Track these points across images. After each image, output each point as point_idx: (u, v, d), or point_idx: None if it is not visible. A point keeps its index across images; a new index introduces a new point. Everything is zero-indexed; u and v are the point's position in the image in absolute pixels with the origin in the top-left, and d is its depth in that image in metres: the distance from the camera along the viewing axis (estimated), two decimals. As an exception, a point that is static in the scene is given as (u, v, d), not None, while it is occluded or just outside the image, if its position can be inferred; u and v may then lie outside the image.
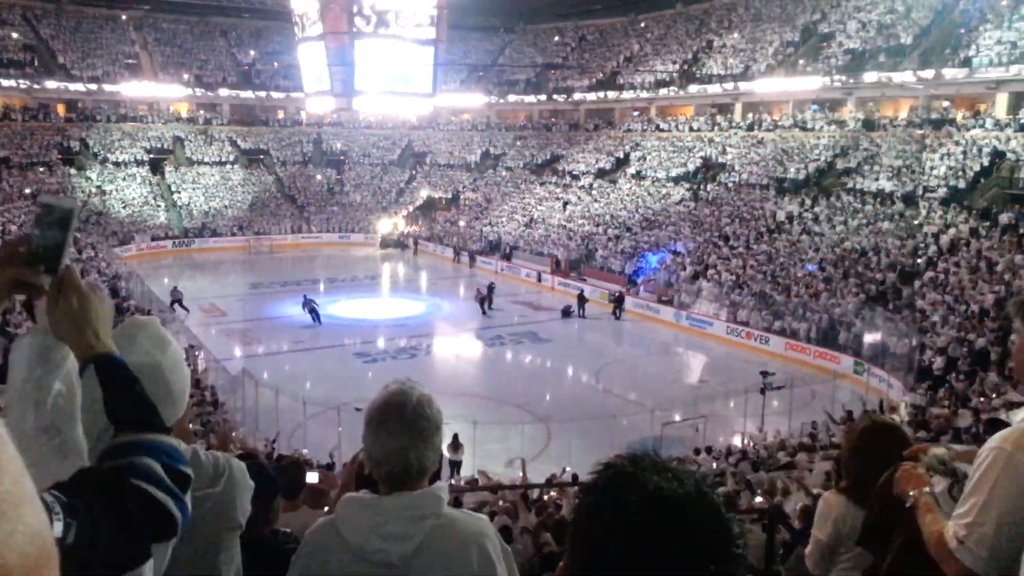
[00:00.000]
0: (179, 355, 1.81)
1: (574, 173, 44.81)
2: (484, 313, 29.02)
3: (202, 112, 51.37)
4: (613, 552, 0.90)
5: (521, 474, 12.22)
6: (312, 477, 5.30)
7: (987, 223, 24.98)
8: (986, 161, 27.78)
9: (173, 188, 45.72)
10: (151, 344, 1.71)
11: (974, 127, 29.55)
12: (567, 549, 0.99)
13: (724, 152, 38.62)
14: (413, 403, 1.74)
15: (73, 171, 43.49)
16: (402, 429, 1.71)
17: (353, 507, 1.74)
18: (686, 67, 44.26)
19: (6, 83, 43.61)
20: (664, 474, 0.95)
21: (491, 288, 30.02)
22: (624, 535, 0.90)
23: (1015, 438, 1.61)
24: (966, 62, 30.02)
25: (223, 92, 51.13)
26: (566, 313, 29.00)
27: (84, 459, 1.30)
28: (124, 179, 44.69)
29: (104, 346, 1.33)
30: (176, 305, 27.42)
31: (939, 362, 19.06)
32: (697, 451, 14.94)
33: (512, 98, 53.53)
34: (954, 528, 1.66)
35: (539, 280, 34.65)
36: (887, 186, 29.58)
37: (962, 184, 27.48)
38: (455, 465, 14.90)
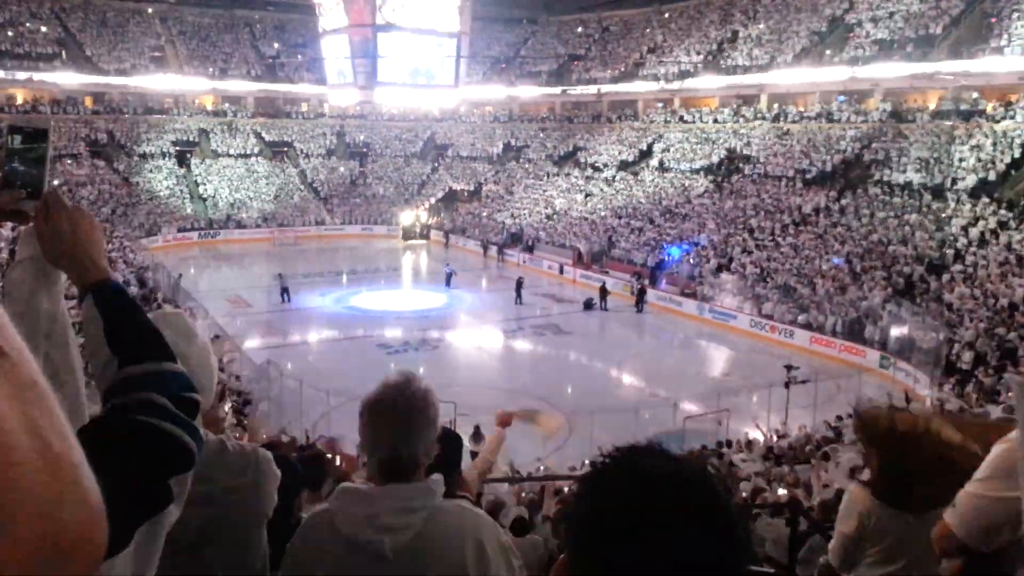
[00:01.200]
0: (206, 347, 1.83)
1: (596, 165, 44.61)
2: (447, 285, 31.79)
3: (227, 105, 51.78)
4: (609, 533, 0.89)
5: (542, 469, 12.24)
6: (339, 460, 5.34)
7: (1017, 216, 24.57)
8: (1017, 153, 27.30)
9: (199, 180, 46.19)
10: (178, 337, 1.72)
11: (1004, 118, 29.04)
12: (565, 540, 0.98)
13: (749, 144, 38.26)
14: (406, 395, 1.73)
15: (100, 163, 44.06)
16: (392, 420, 1.71)
17: (347, 497, 1.74)
18: (711, 58, 43.88)
19: (35, 76, 44.30)
20: (661, 457, 0.95)
21: (520, 283, 30.06)
22: (619, 515, 0.89)
23: None
24: (997, 52, 29.49)
25: (247, 85, 51.54)
26: (588, 305, 28.94)
27: (79, 387, 1.26)
28: (150, 171, 45.25)
29: (100, 271, 1.26)
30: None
31: (967, 357, 18.81)
32: (720, 444, 14.87)
33: (535, 90, 53.38)
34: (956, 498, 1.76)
35: (561, 272, 34.60)
36: (915, 178, 29.17)
37: (992, 176, 27.03)
38: (476, 456, 14.93)
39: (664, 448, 0.98)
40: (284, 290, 28.87)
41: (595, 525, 0.91)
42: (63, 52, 46.40)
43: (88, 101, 47.50)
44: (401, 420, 1.71)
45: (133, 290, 24.45)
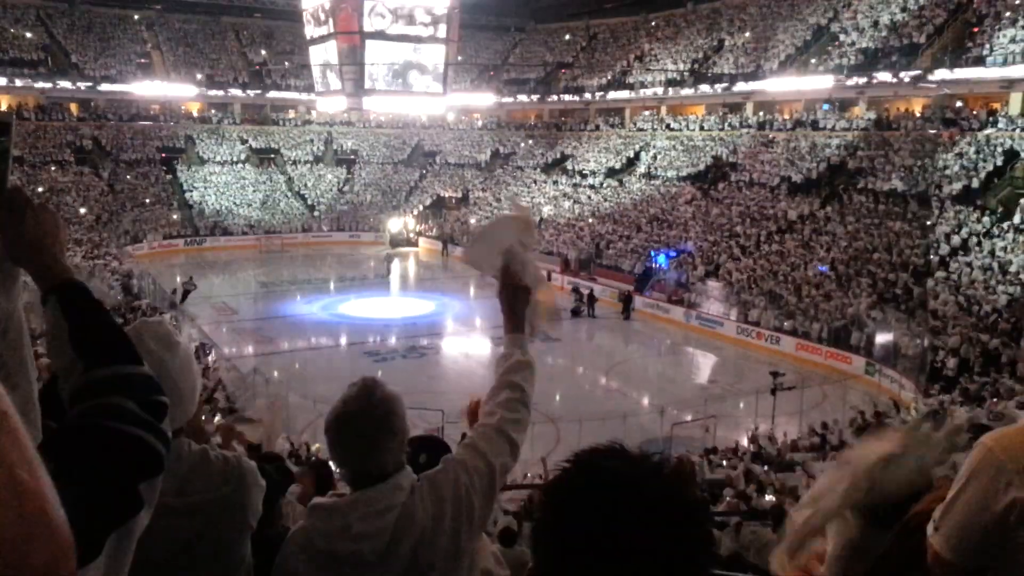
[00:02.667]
0: (188, 355, 1.82)
1: (584, 172, 44.75)
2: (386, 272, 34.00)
3: (213, 111, 51.60)
4: (572, 537, 0.90)
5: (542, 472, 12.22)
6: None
7: (1000, 223, 24.81)
8: (1000, 160, 27.57)
9: (185, 187, 45.98)
10: (158, 345, 1.71)
11: (988, 126, 29.33)
12: (532, 548, 0.98)
13: (735, 151, 38.48)
14: (367, 408, 1.72)
15: (86, 170, 43.79)
16: (356, 435, 1.71)
17: (319, 514, 1.74)
18: (697, 66, 44.13)
19: (20, 82, 43.98)
20: (621, 458, 0.96)
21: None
22: (581, 518, 0.90)
23: (997, 435, 1.66)
24: (979, 61, 29.81)
25: (234, 92, 51.33)
26: (576, 312, 28.96)
27: (32, 390, 1.22)
28: (136, 178, 44.97)
29: (64, 271, 1.23)
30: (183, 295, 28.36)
31: (952, 363, 18.95)
32: (706, 451, 14.90)
33: (522, 97, 53.50)
34: (933, 515, 1.73)
35: (549, 279, 34.59)
36: (899, 186, 29.40)
37: (975, 183, 27.29)
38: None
39: (625, 449, 0.99)
40: (185, 293, 28.68)
41: (558, 530, 0.93)
42: (48, 58, 46.10)
43: (73, 107, 47.22)
44: (365, 434, 1.70)
45: (118, 298, 24.29)
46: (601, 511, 0.90)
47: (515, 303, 1.98)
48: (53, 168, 42.52)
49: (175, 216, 43.55)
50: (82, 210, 38.82)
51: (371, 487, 1.70)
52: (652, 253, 32.81)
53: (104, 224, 38.63)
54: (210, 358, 20.10)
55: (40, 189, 38.69)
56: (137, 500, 1.02)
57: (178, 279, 30.92)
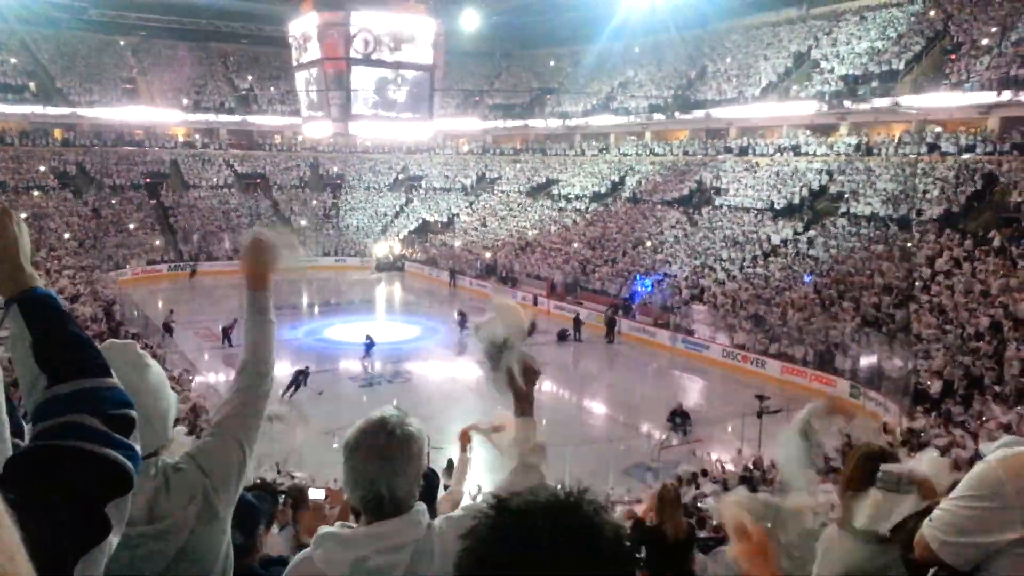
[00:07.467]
0: (160, 379, 1.78)
1: (569, 196, 44.98)
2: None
3: (199, 136, 51.56)
4: (496, 567, 0.92)
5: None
6: (317, 493, 5.26)
7: (981, 246, 25.08)
8: (979, 185, 27.94)
9: (169, 212, 45.78)
10: (128, 368, 1.68)
11: (966, 151, 29.74)
12: None
13: (718, 176, 38.81)
14: (386, 432, 1.70)
15: (70, 195, 43.55)
16: (373, 457, 1.68)
17: (331, 542, 1.69)
18: (680, 92, 44.61)
19: (4, 107, 43.80)
20: (537, 495, 0.99)
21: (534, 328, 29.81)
22: (500, 550, 0.93)
23: (1009, 463, 1.70)
24: (958, 87, 30.31)
25: (221, 117, 51.38)
26: (562, 337, 28.94)
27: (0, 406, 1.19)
28: (120, 203, 44.74)
29: (27, 279, 1.17)
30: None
31: (935, 385, 19.04)
32: (694, 475, 14.86)
33: (508, 122, 53.87)
34: (933, 512, 1.81)
35: (535, 303, 34.55)
36: (880, 210, 29.71)
37: (955, 208, 27.61)
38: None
39: (553, 489, 1.03)
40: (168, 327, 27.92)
41: (478, 561, 0.95)
42: (33, 84, 46.02)
43: (58, 133, 47.07)
44: (382, 460, 1.68)
45: (99, 327, 24.05)
46: (517, 542, 0.92)
47: (524, 391, 2.15)
48: (36, 193, 42.28)
49: (159, 241, 43.31)
50: (66, 235, 38.61)
51: (388, 520, 1.68)
52: (638, 277, 32.91)
53: (88, 249, 38.36)
54: (192, 384, 19.91)
55: (24, 215, 38.40)
56: (105, 523, 0.98)
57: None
